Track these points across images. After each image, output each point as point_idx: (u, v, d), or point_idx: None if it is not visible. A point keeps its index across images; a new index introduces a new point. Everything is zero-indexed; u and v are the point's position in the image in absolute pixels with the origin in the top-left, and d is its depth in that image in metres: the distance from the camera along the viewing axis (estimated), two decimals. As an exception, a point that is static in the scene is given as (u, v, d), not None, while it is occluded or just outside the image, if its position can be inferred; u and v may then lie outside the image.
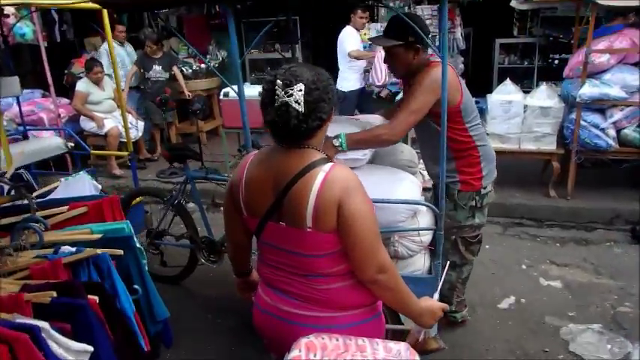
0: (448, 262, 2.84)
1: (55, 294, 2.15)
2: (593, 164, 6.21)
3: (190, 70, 8.64)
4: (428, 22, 7.88)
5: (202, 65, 8.72)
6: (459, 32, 7.81)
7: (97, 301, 2.25)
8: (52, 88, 6.75)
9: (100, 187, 3.90)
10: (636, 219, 5.37)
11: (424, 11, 7.87)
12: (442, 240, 2.95)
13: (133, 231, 2.81)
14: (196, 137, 7.36)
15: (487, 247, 5.02)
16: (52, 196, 3.34)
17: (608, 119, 5.42)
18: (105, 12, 4.41)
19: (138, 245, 2.79)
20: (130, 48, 8.33)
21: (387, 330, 2.14)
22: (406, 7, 7.92)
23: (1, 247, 2.44)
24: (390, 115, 3.37)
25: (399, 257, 3.10)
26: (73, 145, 5.37)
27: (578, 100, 5.36)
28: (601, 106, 5.42)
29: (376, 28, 8.14)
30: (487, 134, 5.78)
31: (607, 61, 5.38)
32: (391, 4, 7.97)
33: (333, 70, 9.49)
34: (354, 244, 1.80)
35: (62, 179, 3.63)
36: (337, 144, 2.85)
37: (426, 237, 3.13)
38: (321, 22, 9.25)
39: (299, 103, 1.73)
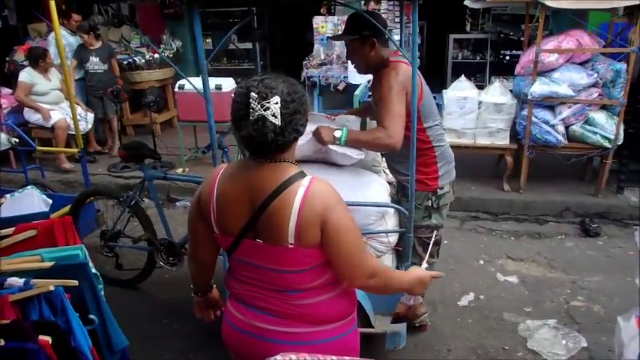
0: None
1: (2, 341, 1.93)
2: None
3: (143, 60, 8.37)
4: (384, 16, 7.98)
5: (156, 55, 8.44)
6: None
7: (50, 342, 2.06)
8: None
9: (50, 201, 3.70)
10: (584, 212, 5.62)
11: (382, 5, 7.95)
12: (412, 241, 3.05)
13: (88, 256, 2.62)
14: (150, 129, 7.24)
15: (446, 242, 5.14)
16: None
17: (557, 116, 5.63)
18: (52, 1, 4.16)
19: (94, 271, 2.61)
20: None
21: (360, 334, 2.17)
22: (362, 1, 7.96)
23: None
24: (363, 113, 3.61)
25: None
26: (17, 140, 5.05)
27: (529, 97, 5.54)
28: (551, 103, 5.62)
29: (333, 22, 8.18)
30: (444, 130, 5.98)
31: (555, 60, 5.57)
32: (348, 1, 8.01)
33: (291, 62, 9.48)
34: (342, 260, 1.80)
35: (7, 196, 3.41)
36: (338, 136, 2.92)
37: (393, 238, 3.23)
38: (277, 13, 9.21)
39: (276, 117, 1.68)
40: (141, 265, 4.39)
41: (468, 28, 8.84)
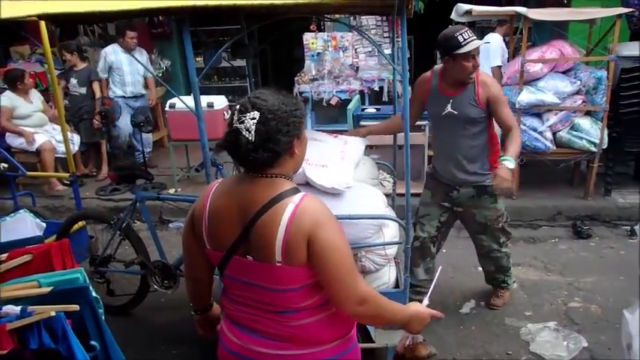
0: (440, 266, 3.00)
1: None
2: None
3: None
4: (373, 31, 8.18)
5: None
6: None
7: None
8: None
9: (44, 225, 3.59)
10: (575, 215, 5.82)
11: (369, 21, 8.13)
12: (410, 253, 3.10)
13: (88, 279, 2.56)
14: (141, 150, 7.13)
15: (444, 250, 5.26)
16: None
17: (545, 123, 5.83)
18: (42, 24, 4.10)
19: (94, 294, 2.51)
20: (141, 55, 7.51)
21: (361, 350, 2.13)
22: (351, 18, 8.12)
23: None
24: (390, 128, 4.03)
25: (365, 272, 3.21)
26: (6, 165, 4.84)
27: (517, 106, 5.73)
28: (538, 111, 5.83)
29: (323, 38, 8.34)
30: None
31: (540, 69, 5.78)
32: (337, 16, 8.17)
33: (282, 78, 9.52)
34: (330, 280, 1.73)
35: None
36: (511, 167, 3.25)
37: (391, 250, 3.29)
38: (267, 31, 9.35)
39: (249, 132, 1.65)
40: (134, 290, 4.27)
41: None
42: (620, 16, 5.28)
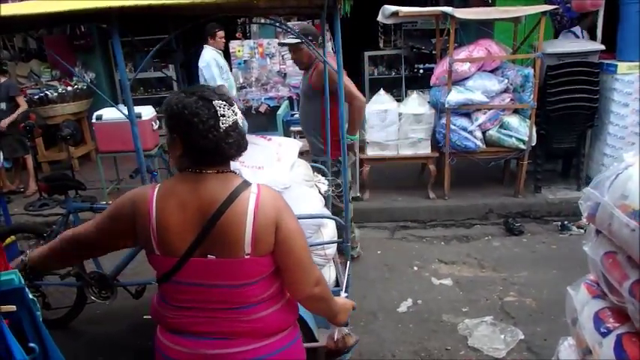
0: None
1: None
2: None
3: (56, 94, 8.02)
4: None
5: (69, 88, 8.20)
6: (329, 47, 8.04)
7: None
8: None
9: None
10: (506, 212, 5.85)
11: (295, 26, 8.01)
12: (350, 251, 3.11)
13: (23, 281, 2.35)
14: (68, 164, 6.97)
15: (379, 252, 5.25)
16: None
17: (474, 122, 5.85)
18: None
19: (31, 296, 2.36)
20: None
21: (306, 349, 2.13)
22: (277, 24, 8.01)
23: None
24: None
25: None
26: None
27: (446, 105, 5.73)
28: (467, 110, 5.84)
29: (249, 45, 8.20)
30: (367, 143, 6.10)
31: (468, 69, 5.81)
32: (263, 20, 8.07)
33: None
34: (293, 264, 1.78)
35: None
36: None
37: (330, 250, 3.25)
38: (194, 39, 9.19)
39: (243, 120, 1.73)
40: (71, 303, 4.15)
41: (381, 45, 9.08)
42: (544, 13, 5.36)
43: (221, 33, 6.80)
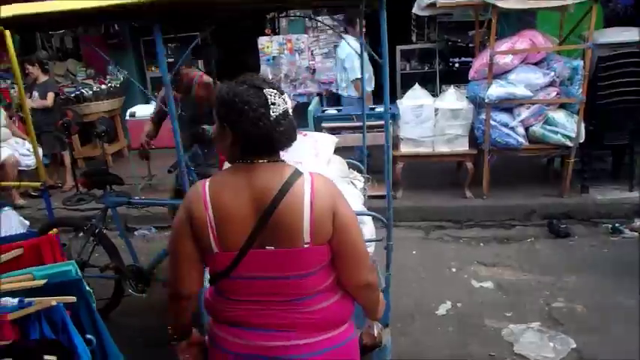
0: None
1: None
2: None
3: (91, 92, 8.15)
4: (330, 32, 7.90)
5: (103, 86, 8.34)
6: (358, 41, 7.81)
7: None
8: None
9: (27, 223, 3.38)
10: (550, 213, 5.50)
11: (325, 21, 7.80)
12: (392, 250, 2.94)
13: (80, 273, 2.43)
14: (102, 161, 7.10)
15: (414, 252, 4.97)
16: None
17: (516, 118, 5.53)
18: (8, 33, 3.80)
19: (87, 288, 2.42)
20: None
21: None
22: (307, 19, 7.83)
23: None
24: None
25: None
26: None
27: (486, 100, 5.42)
28: (508, 105, 5.52)
29: (278, 41, 8.00)
30: (401, 139, 5.82)
31: (510, 61, 5.49)
32: (295, 13, 7.89)
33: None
34: (350, 250, 1.74)
35: None
36: None
37: (369, 248, 3.04)
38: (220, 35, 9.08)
39: (292, 109, 1.72)
40: (107, 295, 4.15)
41: (413, 39, 8.79)
42: (596, 0, 5.01)
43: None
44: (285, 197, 1.64)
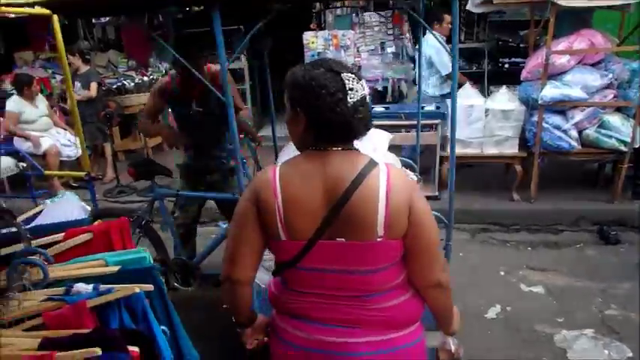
0: None
1: (99, 351, 1.69)
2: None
3: (133, 84, 8.19)
4: (376, 28, 7.79)
5: (145, 78, 8.35)
6: (406, 39, 7.72)
7: (139, 354, 1.82)
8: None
9: (89, 209, 3.36)
10: (600, 219, 5.36)
11: (372, 18, 7.72)
12: (451, 250, 2.97)
13: (152, 260, 2.35)
14: (142, 153, 7.17)
15: (460, 254, 4.89)
16: (37, 221, 2.69)
17: (570, 120, 5.39)
18: (56, 18, 3.80)
19: (160, 277, 2.33)
20: None
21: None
22: (353, 15, 7.76)
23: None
24: None
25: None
26: (25, 165, 4.85)
27: (540, 102, 5.29)
28: (562, 107, 5.38)
29: (324, 36, 7.94)
30: (449, 140, 5.72)
31: (567, 62, 5.35)
32: (338, 12, 7.85)
33: (280, 79, 9.29)
34: (425, 247, 1.66)
35: (46, 201, 3.09)
36: None
37: None
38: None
39: (369, 99, 1.64)
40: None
41: (462, 38, 8.64)
42: (659, 0, 4.85)
43: (448, 18, 6.27)
44: (358, 188, 1.57)
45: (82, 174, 4.67)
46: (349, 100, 1.56)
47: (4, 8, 3.86)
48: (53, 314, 1.86)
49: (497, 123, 5.63)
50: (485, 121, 5.65)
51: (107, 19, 8.25)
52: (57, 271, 2.03)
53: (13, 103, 6.60)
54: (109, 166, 7.37)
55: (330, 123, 1.58)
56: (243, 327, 1.92)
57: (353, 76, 1.59)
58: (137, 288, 1.94)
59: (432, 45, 6.05)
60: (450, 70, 5.49)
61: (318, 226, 1.61)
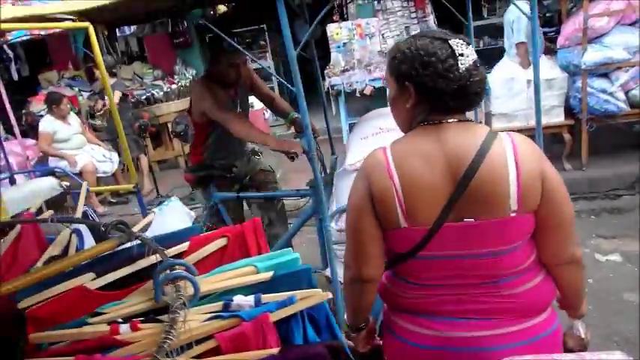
0: None
1: None
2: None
3: (162, 93, 8.18)
4: (399, 13, 7.71)
5: (173, 86, 8.32)
6: (431, 20, 7.65)
7: None
8: (16, 130, 6.27)
9: (193, 215, 3.32)
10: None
11: (394, 3, 7.66)
12: None
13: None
14: (174, 164, 7.15)
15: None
16: (150, 231, 2.42)
17: (615, 82, 5.28)
18: (92, 30, 3.77)
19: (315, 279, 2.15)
20: None
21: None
22: (375, 2, 7.69)
23: (153, 309, 1.72)
24: None
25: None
26: (68, 184, 4.80)
27: (582, 67, 5.20)
28: (605, 70, 5.27)
29: (348, 27, 7.86)
30: (492, 115, 5.63)
31: (606, 23, 5.24)
32: (360, 1, 7.78)
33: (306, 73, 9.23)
34: (559, 219, 1.50)
35: (155, 209, 2.96)
36: None
37: None
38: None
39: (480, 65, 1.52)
40: None
41: (484, 14, 8.52)
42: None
43: None
44: (485, 159, 1.44)
45: (130, 186, 4.64)
46: (460, 65, 1.46)
47: (42, 24, 3.84)
48: (228, 335, 1.64)
49: (542, 93, 5.51)
50: (528, 92, 5.54)
51: (131, 30, 8.28)
52: (206, 283, 1.80)
53: (46, 123, 6.59)
54: (146, 178, 7.29)
55: (442, 91, 1.47)
56: (359, 330, 1.80)
57: (461, 41, 1.49)
58: (323, 295, 1.77)
59: (514, 12, 5.51)
60: (523, 39, 5.45)
61: (443, 206, 1.47)
